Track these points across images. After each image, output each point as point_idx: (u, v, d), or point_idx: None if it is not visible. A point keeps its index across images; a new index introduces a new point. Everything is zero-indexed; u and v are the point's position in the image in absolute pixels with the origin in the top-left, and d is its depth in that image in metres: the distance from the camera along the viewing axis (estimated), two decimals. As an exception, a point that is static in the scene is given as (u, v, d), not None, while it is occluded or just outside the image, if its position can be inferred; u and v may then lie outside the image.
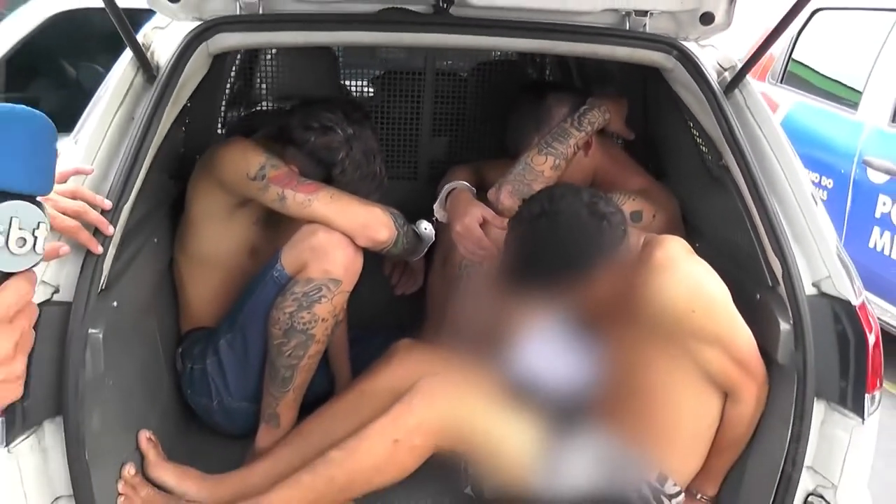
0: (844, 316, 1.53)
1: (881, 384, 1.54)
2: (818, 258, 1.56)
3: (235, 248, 1.97)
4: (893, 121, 3.56)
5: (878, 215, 3.49)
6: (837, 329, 1.53)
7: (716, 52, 1.74)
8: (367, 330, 2.23)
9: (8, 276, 0.66)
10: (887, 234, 3.44)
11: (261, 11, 1.60)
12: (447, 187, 2.00)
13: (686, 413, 1.60)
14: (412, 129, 2.34)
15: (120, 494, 1.53)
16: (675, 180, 2.07)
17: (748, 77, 1.61)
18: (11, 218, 0.65)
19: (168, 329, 2.01)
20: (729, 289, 1.70)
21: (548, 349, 1.60)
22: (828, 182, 3.77)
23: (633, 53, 1.67)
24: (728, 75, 1.64)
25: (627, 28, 1.66)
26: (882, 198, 3.47)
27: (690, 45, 1.68)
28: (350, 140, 1.84)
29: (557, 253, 1.48)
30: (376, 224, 1.73)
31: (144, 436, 1.67)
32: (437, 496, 1.83)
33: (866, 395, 1.50)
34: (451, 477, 1.75)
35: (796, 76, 4.24)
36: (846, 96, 3.88)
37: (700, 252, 1.93)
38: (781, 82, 4.27)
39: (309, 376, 1.82)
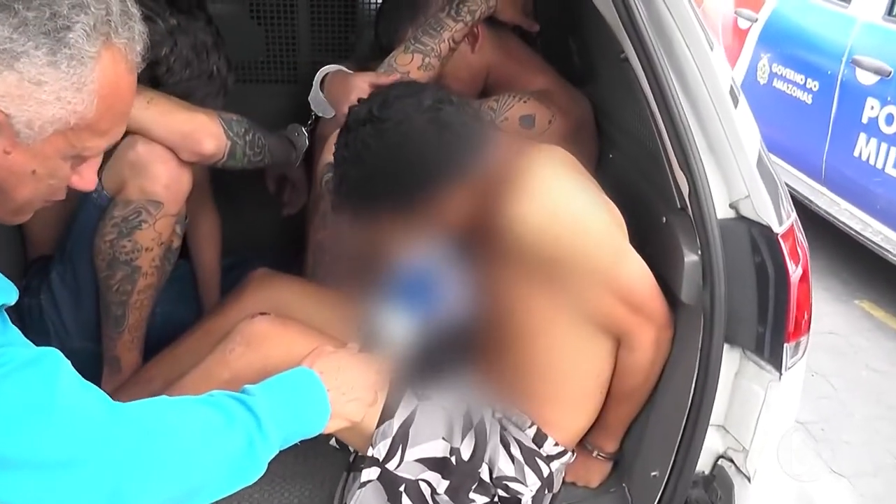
0: (764, 245, 1.23)
1: (807, 329, 1.26)
2: (736, 173, 1.25)
3: None
4: (890, 13, 3.16)
5: (864, 120, 3.13)
6: (755, 261, 1.24)
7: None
8: (252, 253, 1.97)
9: None
10: (874, 141, 3.09)
11: None
12: (321, 72, 1.69)
13: (569, 359, 1.33)
14: (287, 24, 2.00)
15: None
16: (595, 82, 1.75)
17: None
18: None
19: (12, 257, 1.75)
20: (636, 210, 1.41)
21: (404, 283, 1.32)
22: (813, 84, 3.40)
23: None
24: (633, -57, 1.29)
25: None
26: (870, 101, 3.10)
27: None
28: (174, 32, 1.52)
29: (384, 169, 1.17)
30: (200, 133, 1.43)
31: None
32: (301, 452, 1.60)
33: (785, 345, 1.22)
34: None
35: (788, -35, 3.81)
36: (841, -14, 3.47)
37: (613, 165, 1.63)
38: (770, -27, 3.84)
39: (144, 314, 1.58)
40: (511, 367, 1.37)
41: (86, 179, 0.93)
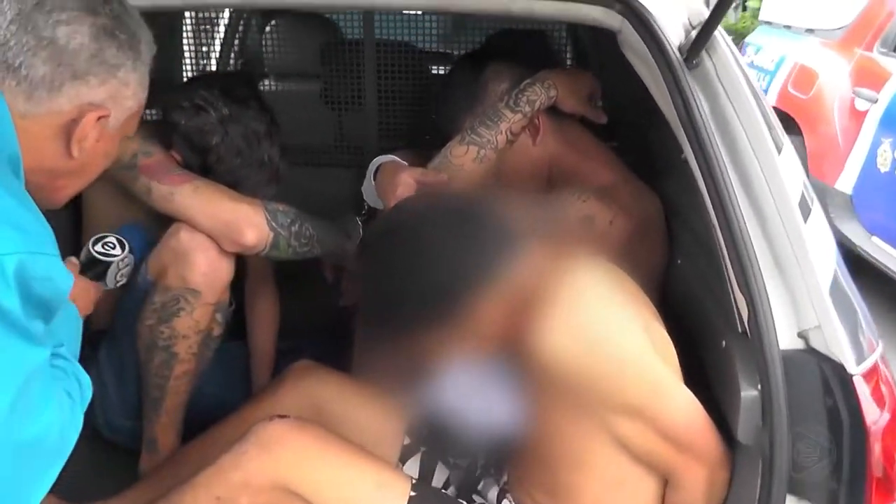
0: (837, 385, 1.05)
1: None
2: (805, 299, 1.08)
3: None
4: None
5: None
6: (827, 404, 1.06)
7: (689, 2, 1.27)
8: (310, 339, 1.92)
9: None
10: None
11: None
12: (374, 162, 1.65)
13: (611, 493, 1.18)
14: (355, 108, 1.97)
15: None
16: (669, 177, 1.61)
17: (718, 34, 1.14)
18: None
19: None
20: (697, 328, 1.26)
21: (433, 395, 1.21)
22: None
23: (564, 10, 1.25)
24: (695, 34, 1.17)
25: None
26: None
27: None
28: (225, 122, 1.53)
29: (402, 283, 1.08)
30: (242, 224, 1.42)
31: None
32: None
33: (866, 510, 1.02)
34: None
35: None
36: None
37: (681, 273, 1.48)
38: (895, 50, 3.57)
39: (182, 399, 1.58)
40: (548, 496, 1.23)
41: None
